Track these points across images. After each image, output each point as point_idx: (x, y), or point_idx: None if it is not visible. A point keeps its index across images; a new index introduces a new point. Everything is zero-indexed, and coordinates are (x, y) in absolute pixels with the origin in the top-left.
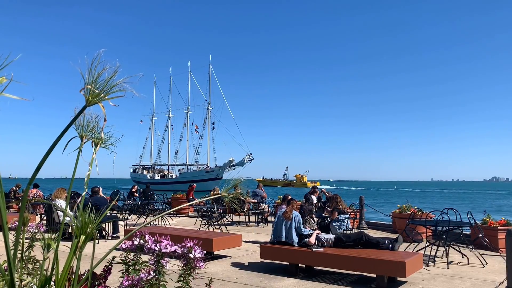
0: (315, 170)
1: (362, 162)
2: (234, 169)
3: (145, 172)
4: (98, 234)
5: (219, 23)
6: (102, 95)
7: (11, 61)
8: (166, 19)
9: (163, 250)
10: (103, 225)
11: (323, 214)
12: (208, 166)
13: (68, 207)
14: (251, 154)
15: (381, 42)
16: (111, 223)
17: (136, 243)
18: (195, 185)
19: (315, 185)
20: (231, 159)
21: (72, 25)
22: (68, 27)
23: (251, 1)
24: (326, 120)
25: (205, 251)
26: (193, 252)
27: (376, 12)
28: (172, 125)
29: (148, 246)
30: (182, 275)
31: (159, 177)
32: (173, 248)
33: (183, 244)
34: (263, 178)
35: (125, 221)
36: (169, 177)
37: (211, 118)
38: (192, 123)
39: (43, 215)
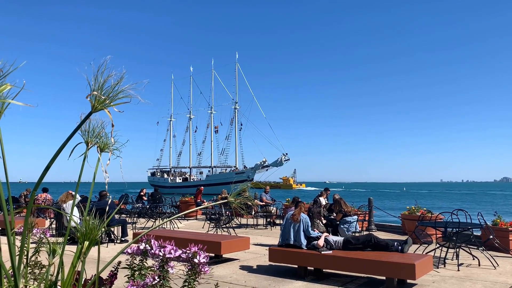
0: (312, 171)
1: (364, 163)
2: (267, 170)
3: (165, 176)
4: (107, 238)
5: (241, 25)
6: (108, 101)
7: (16, 68)
8: (186, 19)
9: (167, 256)
10: (112, 228)
11: (331, 217)
12: (236, 168)
13: (77, 210)
14: (286, 153)
15: (387, 43)
16: (120, 226)
17: (141, 248)
18: (202, 187)
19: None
20: (264, 159)
21: (89, 27)
22: (84, 29)
23: (271, 1)
24: (328, 121)
25: (213, 254)
26: (197, 257)
27: (376, 13)
28: (196, 127)
29: (153, 251)
30: (187, 280)
31: (180, 180)
32: (177, 253)
33: (187, 248)
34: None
35: (134, 225)
36: (191, 180)
37: (238, 117)
38: (221, 124)
39: (52, 219)
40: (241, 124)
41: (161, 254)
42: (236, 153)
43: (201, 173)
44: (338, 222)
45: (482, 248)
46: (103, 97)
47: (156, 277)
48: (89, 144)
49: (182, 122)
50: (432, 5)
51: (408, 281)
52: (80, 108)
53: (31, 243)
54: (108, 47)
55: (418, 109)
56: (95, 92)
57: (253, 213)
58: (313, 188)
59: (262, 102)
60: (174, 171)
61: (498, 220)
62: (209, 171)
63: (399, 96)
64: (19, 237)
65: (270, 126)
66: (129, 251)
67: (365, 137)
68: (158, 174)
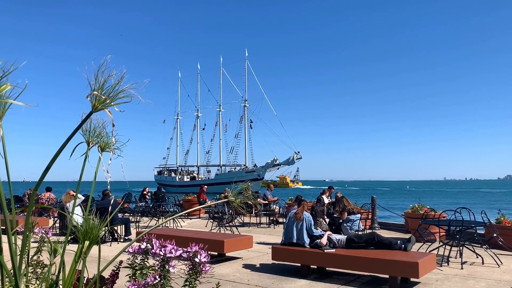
0: (313, 170)
1: (366, 161)
2: (278, 168)
3: (172, 175)
4: (111, 237)
5: (249, 26)
6: (109, 101)
7: (17, 67)
8: (192, 20)
9: (168, 255)
10: (115, 227)
11: (334, 215)
12: (246, 166)
13: (81, 210)
14: (298, 152)
15: (391, 42)
16: (123, 225)
17: (143, 247)
18: (205, 187)
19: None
20: (275, 158)
21: (92, 28)
22: (87, 30)
23: (278, 2)
24: (329, 120)
25: (216, 253)
26: (198, 256)
27: (376, 13)
28: (205, 124)
29: (153, 251)
30: (188, 280)
31: (188, 179)
32: (178, 253)
33: (188, 248)
34: None
35: (137, 224)
36: (199, 178)
37: (247, 115)
38: (229, 120)
39: (56, 218)
40: (251, 121)
41: (162, 254)
42: (245, 151)
43: (209, 171)
44: (341, 221)
45: (485, 246)
46: (103, 96)
47: (157, 277)
48: (90, 144)
49: (189, 120)
50: (433, 5)
51: (412, 279)
52: (82, 108)
53: (33, 242)
54: (112, 48)
55: (421, 108)
56: (96, 92)
57: (253, 212)
58: (310, 187)
59: (270, 101)
60: (181, 169)
61: (502, 218)
62: (218, 169)
63: (401, 95)
64: (20, 236)
65: (281, 123)
66: (131, 250)
67: (367, 136)
68: (165, 173)
